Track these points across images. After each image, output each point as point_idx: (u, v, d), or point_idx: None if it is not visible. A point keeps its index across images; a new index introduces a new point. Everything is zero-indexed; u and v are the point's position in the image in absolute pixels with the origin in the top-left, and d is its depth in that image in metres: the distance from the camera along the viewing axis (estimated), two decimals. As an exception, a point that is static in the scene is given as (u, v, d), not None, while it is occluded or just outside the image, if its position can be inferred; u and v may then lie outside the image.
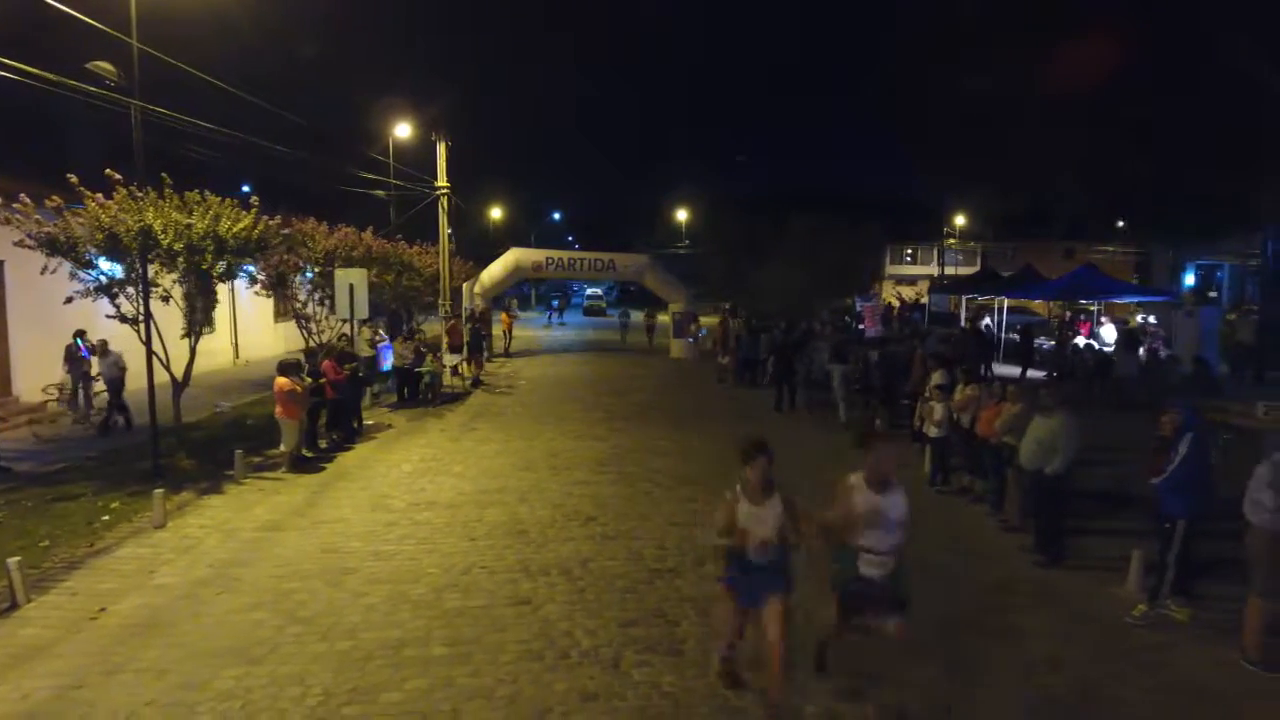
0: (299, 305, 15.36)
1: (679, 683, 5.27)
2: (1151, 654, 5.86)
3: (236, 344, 21.83)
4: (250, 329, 22.42)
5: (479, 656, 5.63)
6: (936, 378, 10.80)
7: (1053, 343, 20.71)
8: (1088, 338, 21.60)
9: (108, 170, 9.75)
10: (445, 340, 19.62)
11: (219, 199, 10.41)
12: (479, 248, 36.92)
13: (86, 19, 10.38)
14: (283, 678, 5.33)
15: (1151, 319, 22.56)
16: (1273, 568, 5.71)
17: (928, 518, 9.08)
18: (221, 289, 20.40)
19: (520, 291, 59.30)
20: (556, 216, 67.01)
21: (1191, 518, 6.39)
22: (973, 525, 8.85)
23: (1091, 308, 24.35)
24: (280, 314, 23.02)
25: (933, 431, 10.23)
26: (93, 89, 10.58)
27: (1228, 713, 5.12)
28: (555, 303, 47.55)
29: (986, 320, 24.64)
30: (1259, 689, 5.38)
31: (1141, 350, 17.77)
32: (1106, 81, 21.80)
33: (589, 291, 54.55)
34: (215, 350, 21.13)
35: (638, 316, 31.40)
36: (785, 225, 24.05)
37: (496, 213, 50.02)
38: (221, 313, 21.42)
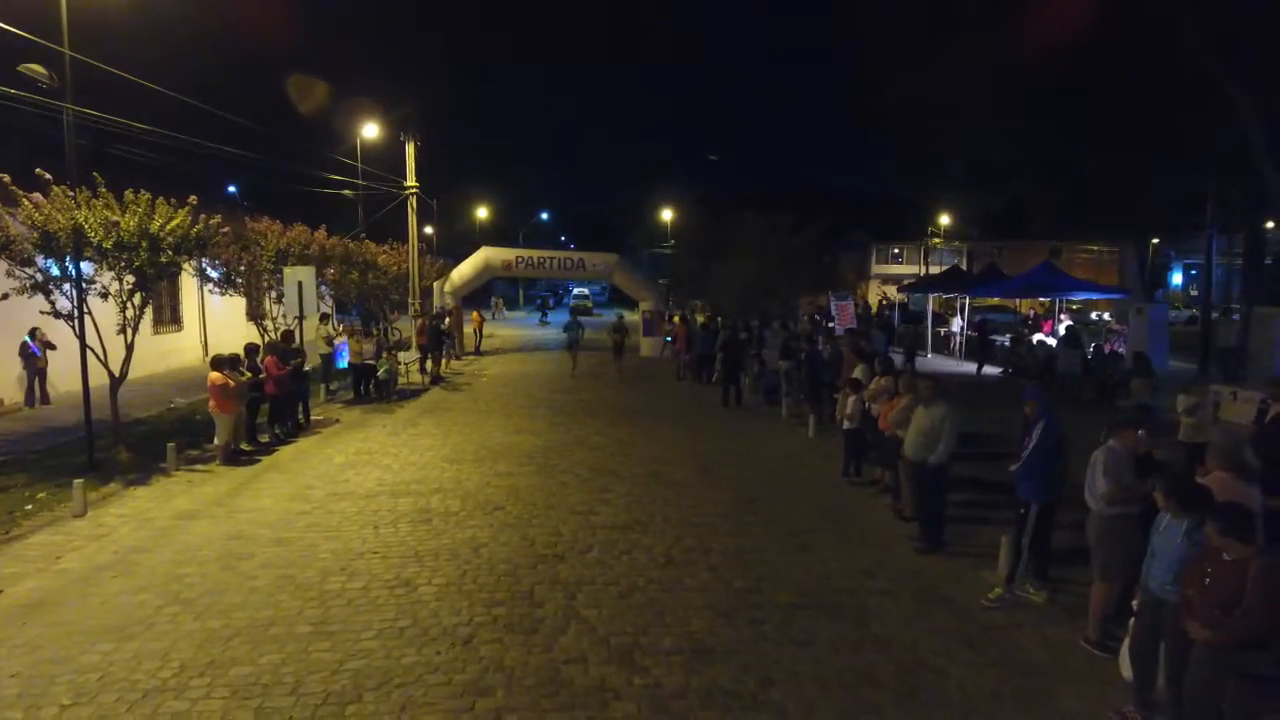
0: (256, 303, 15.67)
1: (520, 658, 5.52)
2: (993, 634, 6.09)
3: (206, 342, 22.12)
4: (221, 327, 22.68)
5: (341, 634, 5.89)
6: (856, 372, 11.06)
7: (1007, 339, 20.89)
8: (1048, 335, 21.80)
9: (37, 170, 10.02)
10: (415, 338, 19.95)
11: (150, 197, 10.64)
12: (462, 248, 37.18)
13: (20, 32, 10.71)
14: (147, 653, 5.59)
15: (1107, 315, 22.72)
16: (1108, 551, 5.92)
17: (831, 506, 9.37)
18: (190, 289, 21.08)
19: (511, 291, 59.74)
20: (544, 216, 67.26)
21: (1043, 503, 6.62)
22: (871, 514, 9.07)
23: (1076, 305, 24.57)
24: (250, 314, 23.35)
25: (846, 424, 10.46)
26: (26, 93, 10.84)
27: (1043, 686, 5.34)
28: (539, 302, 47.84)
29: (957, 319, 24.85)
30: (1082, 667, 5.60)
31: (1092, 346, 17.94)
32: (1067, 79, 21.95)
33: (575, 291, 54.74)
34: (184, 348, 21.50)
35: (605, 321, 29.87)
36: (744, 223, 24.30)
37: (483, 212, 50.29)
38: (190, 312, 21.91)
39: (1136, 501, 5.83)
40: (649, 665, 5.44)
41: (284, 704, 4.92)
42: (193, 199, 11.45)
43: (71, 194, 10.18)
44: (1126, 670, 5.04)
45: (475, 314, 27.98)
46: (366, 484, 10.06)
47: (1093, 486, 5.90)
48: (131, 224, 10.30)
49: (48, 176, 10.08)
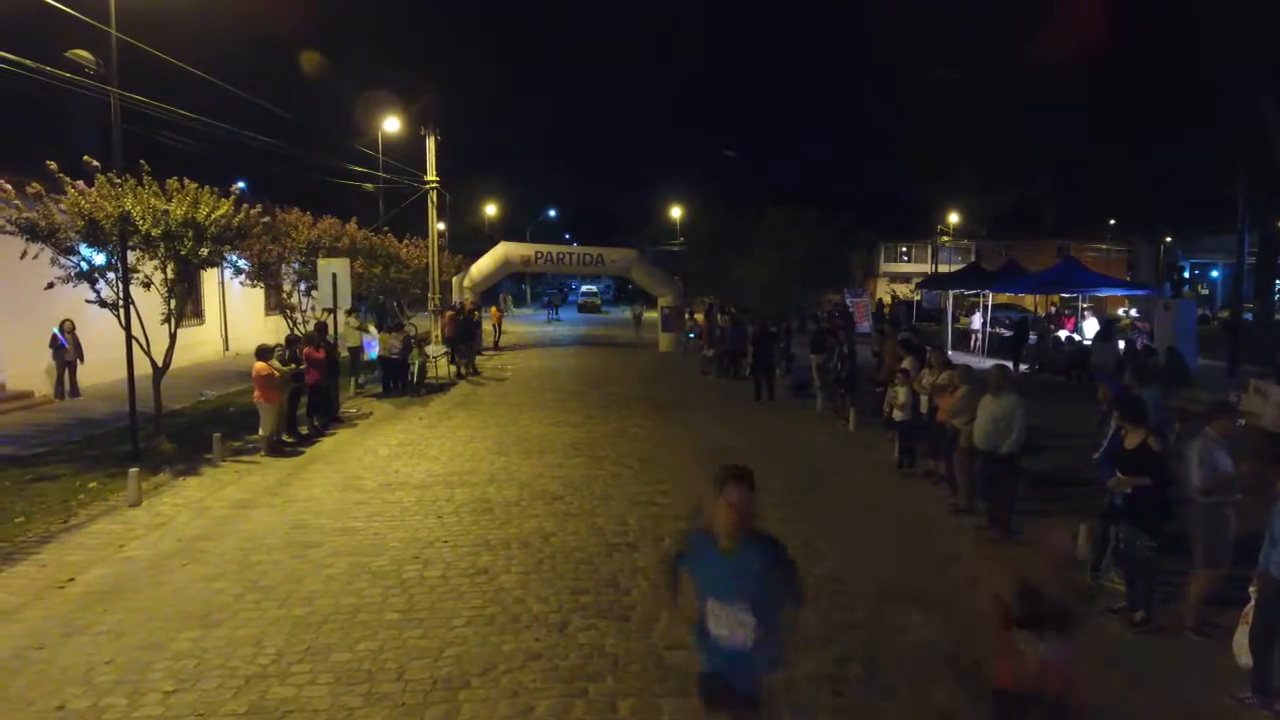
0: (285, 295, 15.57)
1: (620, 645, 5.45)
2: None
3: (226, 336, 22.00)
4: (240, 321, 22.57)
5: (431, 621, 5.82)
6: (905, 364, 11.00)
7: (1035, 336, 20.87)
8: (1071, 331, 21.78)
9: (85, 157, 9.92)
10: (440, 333, 19.87)
11: (197, 186, 10.55)
12: (472, 243, 37.09)
13: (69, 10, 10.61)
14: (238, 639, 5.51)
15: (1134, 312, 22.72)
16: (1209, 540, 5.87)
17: (885, 497, 9.35)
18: (211, 282, 20.95)
19: (518, 289, 59.64)
20: (553, 214, 67.09)
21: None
22: (928, 505, 9.02)
23: (1087, 303, 24.57)
24: (271, 307, 23.21)
25: (897, 415, 10.42)
26: (73, 75, 10.74)
27: (1146, 670, 5.29)
28: (546, 299, 47.90)
29: (978, 315, 24.79)
30: (1179, 651, 5.55)
31: (1122, 342, 17.92)
32: (1086, 79, 21.94)
33: (584, 289, 54.81)
34: (205, 341, 21.36)
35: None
36: (763, 218, 24.22)
37: (491, 209, 50.20)
38: (211, 305, 21.77)
39: (1236, 489, 5.80)
40: (750, 652, 5.37)
41: (392, 690, 4.85)
42: (235, 188, 11.37)
43: (119, 181, 10.08)
44: (1244, 657, 4.99)
45: (494, 309, 27.91)
46: (417, 474, 9.98)
47: (1189, 476, 5.84)
48: (179, 212, 10.21)
49: (95, 164, 9.98)
